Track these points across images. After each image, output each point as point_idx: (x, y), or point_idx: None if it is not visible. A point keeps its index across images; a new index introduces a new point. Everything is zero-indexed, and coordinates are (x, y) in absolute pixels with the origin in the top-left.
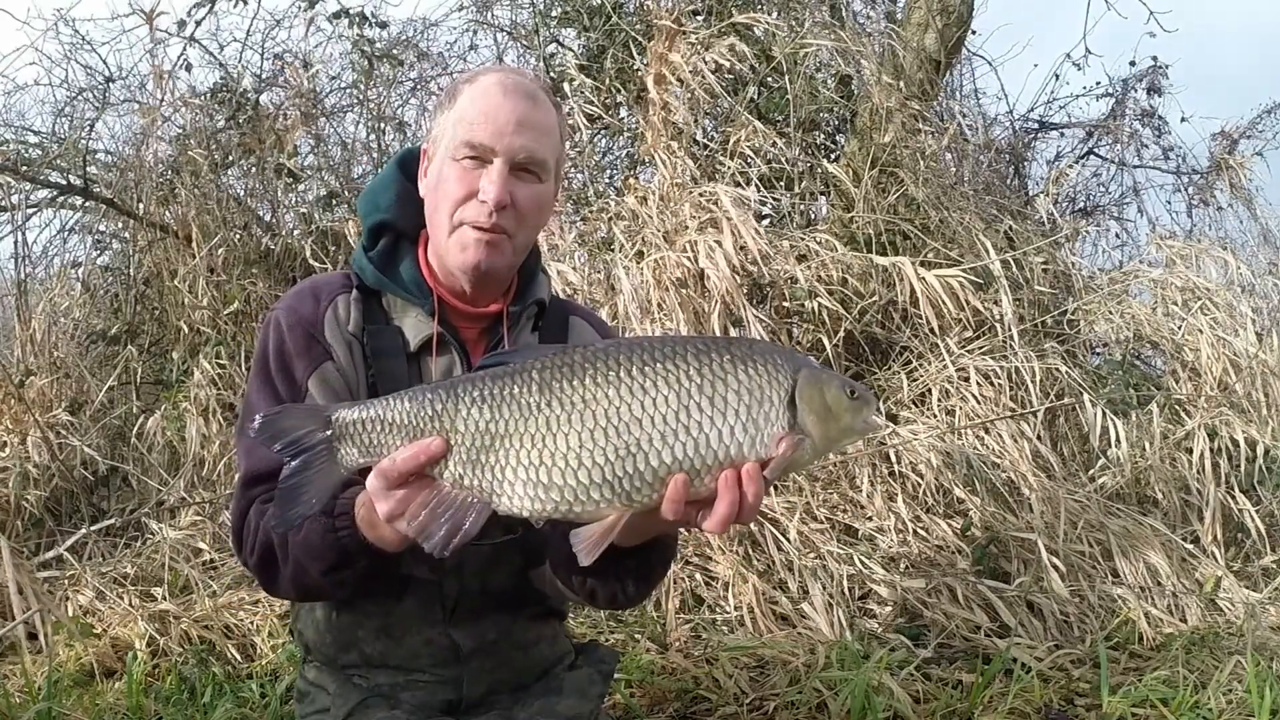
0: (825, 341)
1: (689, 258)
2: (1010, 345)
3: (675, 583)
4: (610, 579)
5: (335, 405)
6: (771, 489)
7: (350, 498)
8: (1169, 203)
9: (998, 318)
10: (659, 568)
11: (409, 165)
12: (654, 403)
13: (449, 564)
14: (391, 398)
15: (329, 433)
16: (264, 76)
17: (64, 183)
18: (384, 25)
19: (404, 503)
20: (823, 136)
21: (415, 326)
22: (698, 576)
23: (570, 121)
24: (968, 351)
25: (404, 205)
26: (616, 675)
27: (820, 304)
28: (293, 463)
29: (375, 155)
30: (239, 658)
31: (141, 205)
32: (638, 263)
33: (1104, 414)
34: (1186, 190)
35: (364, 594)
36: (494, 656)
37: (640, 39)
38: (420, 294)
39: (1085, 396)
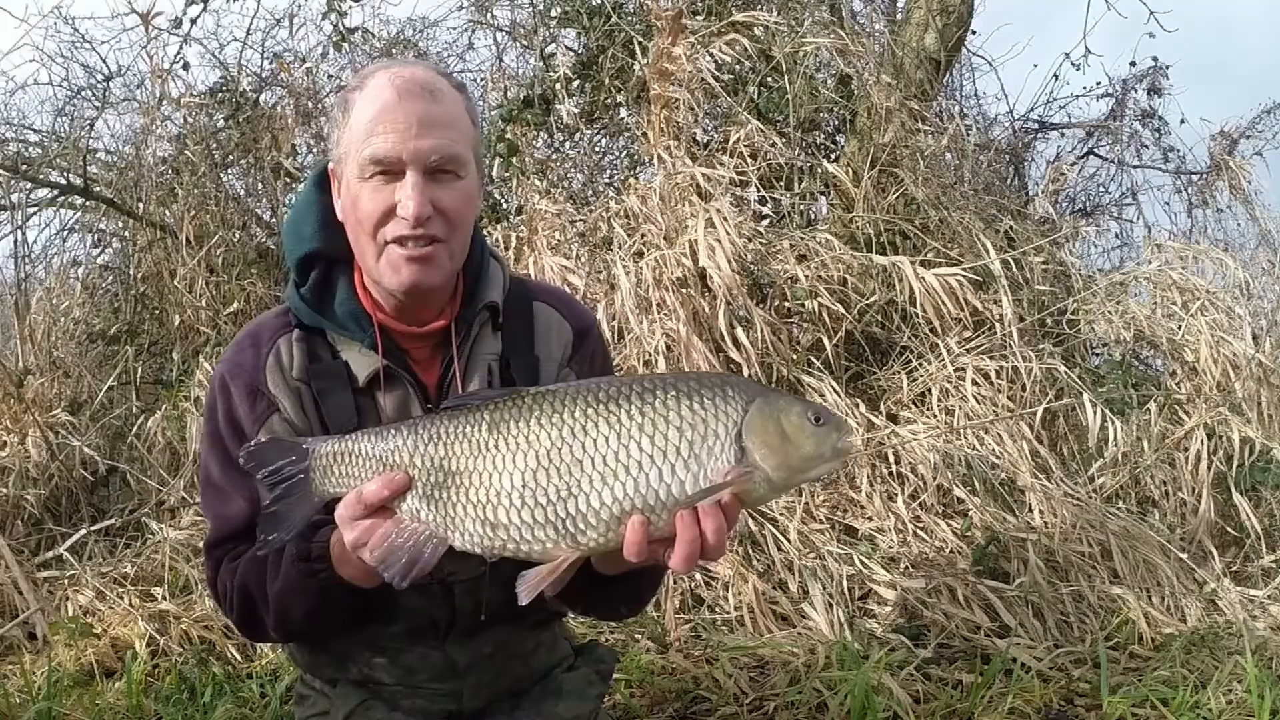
0: (825, 341)
1: (688, 256)
2: (1009, 344)
3: (675, 583)
4: (600, 603)
5: (313, 439)
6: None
7: (325, 539)
8: (1168, 203)
9: (997, 317)
10: (647, 591)
11: (327, 183)
12: (594, 443)
13: (437, 589)
14: (361, 433)
15: (306, 463)
16: (263, 76)
17: (64, 182)
18: None
19: (368, 532)
20: (823, 136)
21: (361, 359)
22: (698, 576)
23: (567, 122)
24: (967, 351)
25: (330, 230)
26: (616, 675)
27: (820, 304)
28: (274, 491)
29: None
30: (239, 658)
31: (141, 205)
32: (637, 261)
33: (1103, 414)
34: (1186, 191)
35: (351, 628)
36: (492, 669)
37: (640, 39)
38: (359, 328)
39: (1085, 396)
